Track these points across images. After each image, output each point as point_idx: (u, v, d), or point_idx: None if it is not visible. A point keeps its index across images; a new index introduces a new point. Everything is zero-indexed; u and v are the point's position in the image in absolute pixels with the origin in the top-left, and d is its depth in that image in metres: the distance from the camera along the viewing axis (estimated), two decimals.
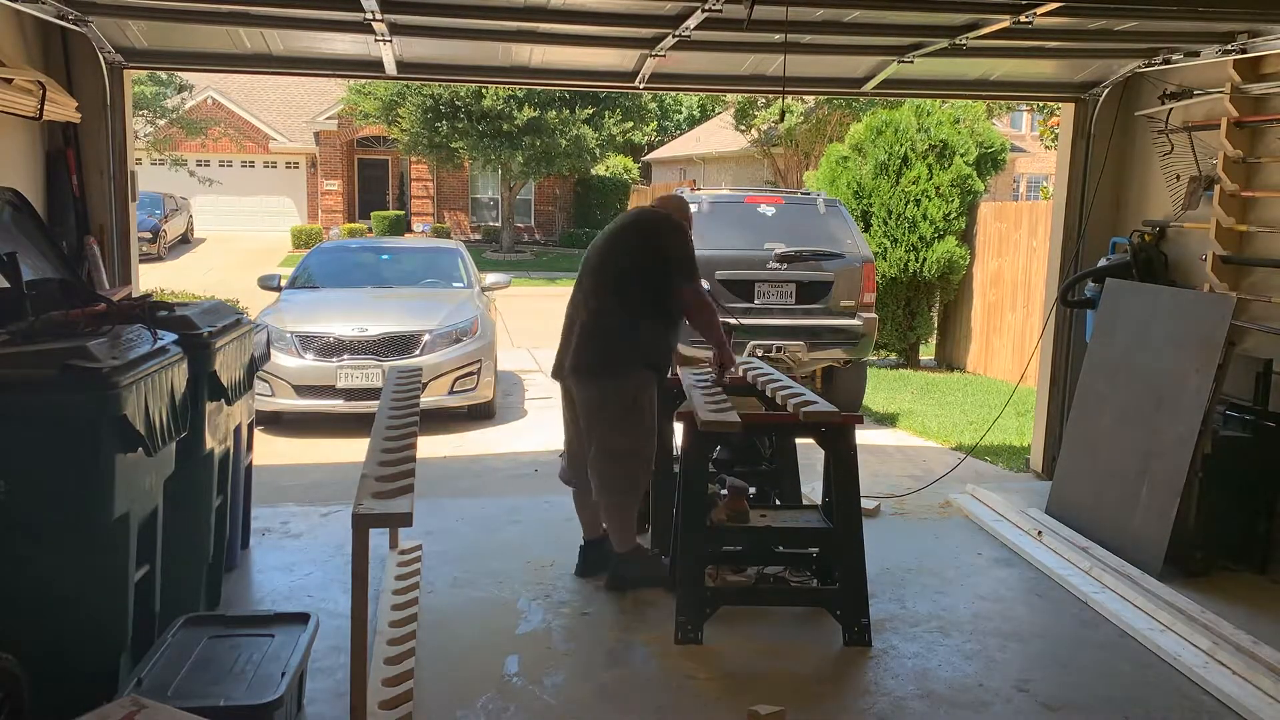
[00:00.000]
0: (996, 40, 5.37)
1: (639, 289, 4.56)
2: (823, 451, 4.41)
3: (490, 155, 27.30)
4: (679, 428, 4.55)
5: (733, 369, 4.86)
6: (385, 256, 11.16)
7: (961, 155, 12.35)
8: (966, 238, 12.58)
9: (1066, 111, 6.96)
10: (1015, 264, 11.99)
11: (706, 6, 4.74)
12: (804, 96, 20.57)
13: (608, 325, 4.57)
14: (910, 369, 12.71)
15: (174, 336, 3.76)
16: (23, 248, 4.47)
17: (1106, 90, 6.57)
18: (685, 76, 6.77)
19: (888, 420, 9.50)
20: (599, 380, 4.58)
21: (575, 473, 4.84)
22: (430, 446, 7.57)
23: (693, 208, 8.88)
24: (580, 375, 4.62)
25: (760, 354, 8.32)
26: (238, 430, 4.84)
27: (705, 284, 8.42)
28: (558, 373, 4.75)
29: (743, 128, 23.93)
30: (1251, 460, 5.16)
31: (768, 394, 4.73)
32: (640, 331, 4.57)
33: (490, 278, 10.50)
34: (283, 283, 9.81)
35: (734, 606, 4.40)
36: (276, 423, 8.66)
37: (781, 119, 21.04)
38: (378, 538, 4.47)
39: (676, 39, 5.39)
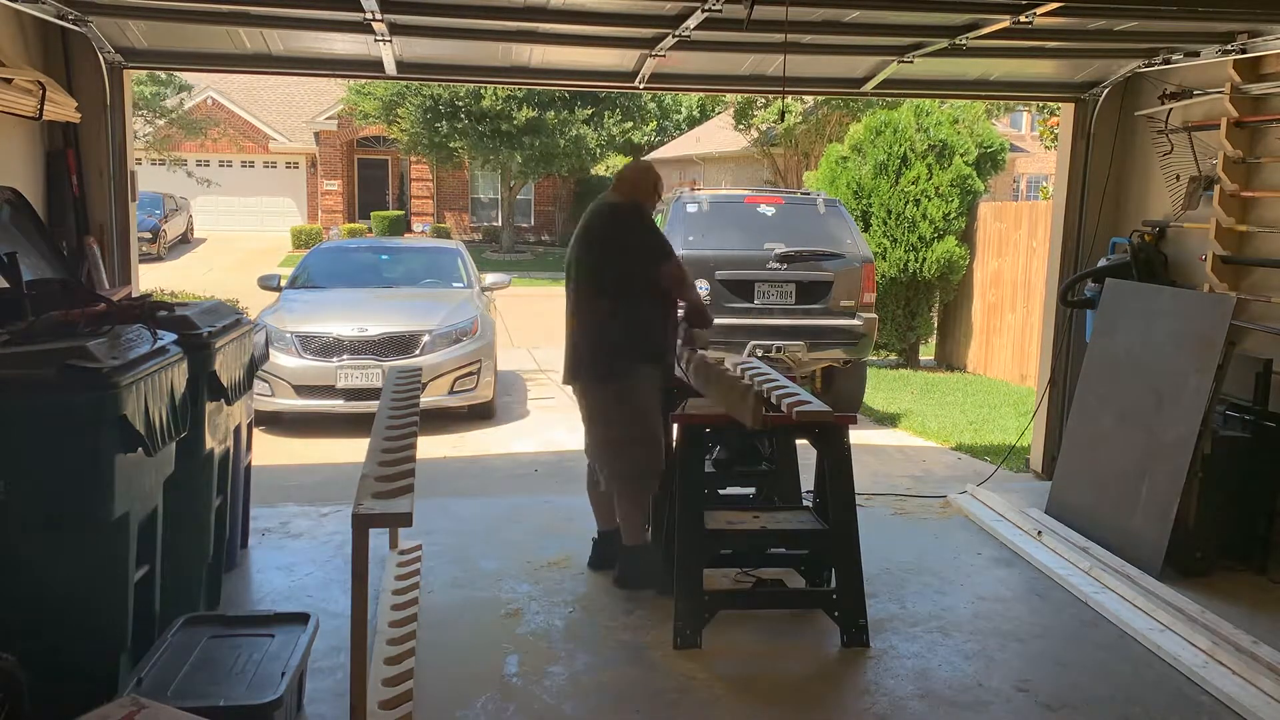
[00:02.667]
0: (996, 40, 5.37)
1: (617, 287, 4.65)
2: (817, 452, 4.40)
3: (490, 155, 27.29)
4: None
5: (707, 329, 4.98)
6: (385, 256, 11.16)
7: (961, 155, 12.35)
8: (966, 238, 12.59)
9: (1066, 111, 6.96)
10: (1015, 264, 11.99)
11: (706, 6, 4.73)
12: (804, 96, 20.54)
13: (596, 329, 4.70)
14: (910, 369, 12.71)
15: (174, 336, 3.76)
16: (22, 248, 4.47)
17: (1106, 90, 6.57)
18: (685, 76, 6.77)
19: (888, 420, 9.50)
20: (598, 383, 4.74)
21: (590, 465, 4.99)
22: (430, 446, 7.57)
23: (691, 208, 9.05)
24: (579, 380, 4.81)
25: (760, 354, 8.32)
26: (237, 430, 4.84)
27: (705, 283, 8.57)
28: (566, 378, 4.91)
29: (742, 127, 23.91)
30: (1251, 460, 5.15)
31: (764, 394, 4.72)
32: (628, 329, 4.65)
33: (490, 278, 10.51)
34: (282, 283, 9.82)
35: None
36: (276, 423, 8.65)
37: (781, 119, 21.01)
38: (378, 538, 4.47)
39: (676, 39, 5.39)
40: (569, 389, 4.98)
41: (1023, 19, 4.76)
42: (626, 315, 4.65)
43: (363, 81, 25.61)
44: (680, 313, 4.91)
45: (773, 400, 4.53)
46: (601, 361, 4.68)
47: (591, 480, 4.98)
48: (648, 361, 4.70)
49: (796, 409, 4.23)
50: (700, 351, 4.93)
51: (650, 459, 4.68)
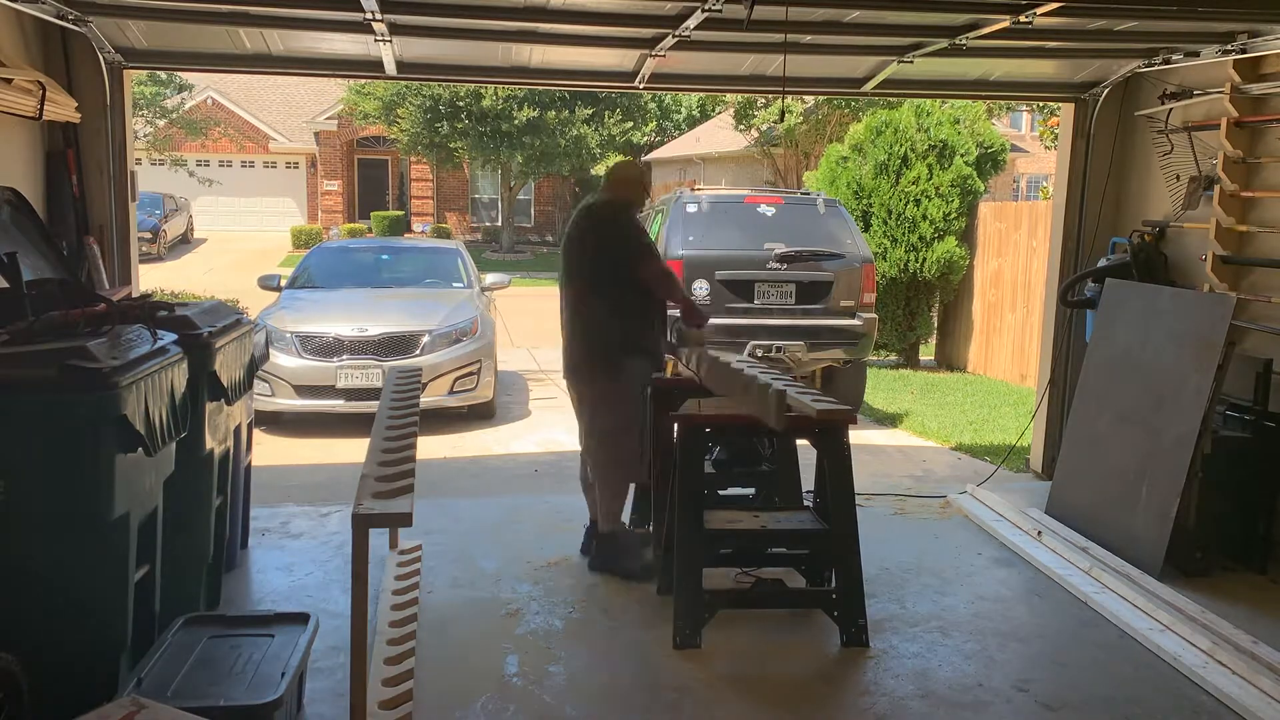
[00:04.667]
0: (996, 40, 5.37)
1: (599, 284, 4.81)
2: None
3: (490, 155, 27.30)
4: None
5: (704, 326, 5.11)
6: (385, 257, 11.17)
7: (961, 155, 12.35)
8: (966, 238, 12.58)
9: (1066, 111, 6.96)
10: (1015, 264, 11.99)
11: (706, 6, 4.74)
12: (804, 96, 20.53)
13: (586, 325, 4.90)
14: (910, 369, 12.71)
15: (174, 336, 3.76)
16: (22, 248, 4.47)
17: (1106, 90, 6.57)
18: (685, 76, 6.77)
19: (888, 420, 9.50)
20: (588, 379, 4.93)
21: (581, 458, 5.20)
22: (430, 446, 7.57)
23: (691, 208, 9.05)
24: (572, 374, 5.04)
25: (760, 354, 8.33)
26: (237, 430, 4.84)
27: (705, 283, 8.58)
28: (564, 373, 5.13)
29: (742, 128, 23.90)
30: (1251, 460, 5.16)
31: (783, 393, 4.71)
32: (616, 326, 4.83)
33: (490, 278, 10.52)
34: (283, 283, 9.82)
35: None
36: (276, 423, 8.65)
37: (781, 119, 20.99)
38: (378, 538, 4.47)
39: (676, 39, 5.39)
40: (566, 386, 5.16)
41: (1023, 19, 4.77)
42: (611, 311, 4.81)
43: (363, 81, 25.60)
44: (676, 311, 5.02)
45: (790, 397, 4.51)
46: (591, 359, 4.87)
47: (583, 473, 5.15)
48: (634, 356, 4.86)
49: (819, 408, 4.18)
50: (713, 353, 4.93)
51: (630, 449, 4.84)
